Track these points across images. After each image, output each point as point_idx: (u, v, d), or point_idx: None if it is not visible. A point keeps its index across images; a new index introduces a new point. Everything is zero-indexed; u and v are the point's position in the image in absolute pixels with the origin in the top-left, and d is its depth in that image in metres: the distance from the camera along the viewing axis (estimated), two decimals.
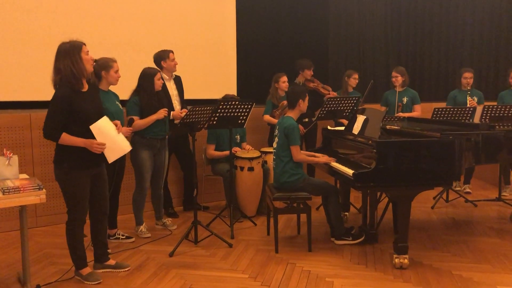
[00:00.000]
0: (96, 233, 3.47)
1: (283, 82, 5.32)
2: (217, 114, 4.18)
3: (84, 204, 3.24)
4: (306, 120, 5.42)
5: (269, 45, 6.68)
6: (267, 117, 5.37)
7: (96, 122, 3.17)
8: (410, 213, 3.51)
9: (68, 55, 3.03)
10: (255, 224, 4.67)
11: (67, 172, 3.14)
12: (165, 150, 4.43)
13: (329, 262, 3.67)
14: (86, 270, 3.32)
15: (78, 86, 3.09)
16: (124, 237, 4.21)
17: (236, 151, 4.89)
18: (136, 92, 4.19)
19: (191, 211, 4.45)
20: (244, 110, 4.31)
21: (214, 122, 4.24)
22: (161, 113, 4.15)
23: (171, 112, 4.58)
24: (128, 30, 5.40)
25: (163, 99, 4.33)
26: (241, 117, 4.36)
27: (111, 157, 3.25)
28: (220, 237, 4.07)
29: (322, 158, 4.08)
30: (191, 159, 4.31)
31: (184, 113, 4.01)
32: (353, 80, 5.85)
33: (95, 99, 3.25)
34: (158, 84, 4.20)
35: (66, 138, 3.07)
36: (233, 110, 4.25)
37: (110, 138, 3.22)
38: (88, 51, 3.15)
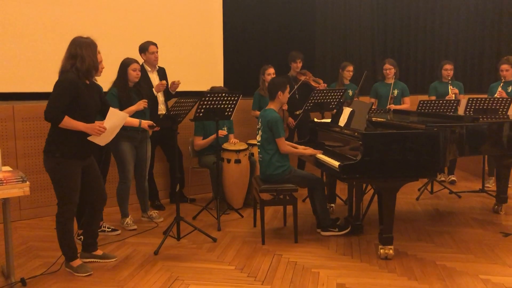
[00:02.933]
0: (90, 222, 3.47)
1: (268, 74, 5.28)
2: (204, 106, 4.16)
3: (75, 196, 3.23)
4: (298, 112, 5.41)
5: (256, 36, 6.65)
6: (254, 113, 5.33)
7: (119, 111, 3.35)
8: (395, 205, 3.55)
9: (90, 47, 3.16)
10: (242, 216, 4.68)
11: (60, 162, 3.14)
12: (147, 142, 4.38)
13: (315, 253, 3.70)
14: (76, 262, 3.33)
15: (87, 77, 3.18)
16: (110, 229, 4.18)
17: (222, 135, 4.86)
18: (114, 83, 4.15)
19: None
20: (231, 102, 4.29)
21: (201, 114, 4.22)
22: (140, 104, 4.10)
23: (152, 88, 4.59)
24: (115, 23, 5.32)
25: (144, 90, 4.29)
26: (227, 109, 4.34)
27: (92, 138, 3.24)
28: (204, 232, 4.02)
29: (307, 150, 4.09)
30: (178, 151, 4.28)
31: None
32: (347, 72, 5.83)
33: (94, 95, 3.29)
34: (132, 75, 4.14)
35: (68, 122, 3.08)
36: (220, 102, 4.23)
37: (112, 129, 3.29)
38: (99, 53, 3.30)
